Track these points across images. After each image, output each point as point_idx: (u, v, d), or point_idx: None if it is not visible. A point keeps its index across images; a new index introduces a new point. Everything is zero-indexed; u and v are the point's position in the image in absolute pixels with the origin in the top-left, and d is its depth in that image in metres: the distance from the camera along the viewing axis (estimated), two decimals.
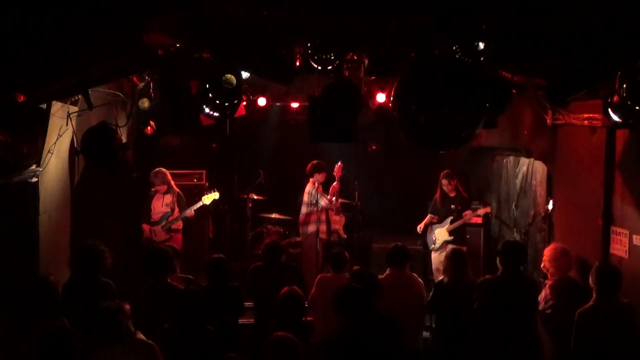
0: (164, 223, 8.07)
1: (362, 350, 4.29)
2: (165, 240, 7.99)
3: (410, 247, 8.80)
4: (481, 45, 4.62)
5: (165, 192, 8.16)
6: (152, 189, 8.22)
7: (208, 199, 8.30)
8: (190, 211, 8.14)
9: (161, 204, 8.14)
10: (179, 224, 8.20)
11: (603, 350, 4.84)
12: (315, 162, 8.71)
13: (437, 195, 8.37)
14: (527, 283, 5.57)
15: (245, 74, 6.26)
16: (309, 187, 8.74)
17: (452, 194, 8.25)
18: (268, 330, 4.58)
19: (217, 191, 8.40)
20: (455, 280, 5.68)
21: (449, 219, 8.19)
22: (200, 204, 8.23)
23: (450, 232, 8.14)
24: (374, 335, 4.40)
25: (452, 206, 8.22)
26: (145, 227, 8.09)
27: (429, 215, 8.42)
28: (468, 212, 8.23)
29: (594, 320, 4.85)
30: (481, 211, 8.29)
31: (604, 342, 4.83)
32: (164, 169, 8.19)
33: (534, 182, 8.14)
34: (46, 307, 4.59)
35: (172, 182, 8.29)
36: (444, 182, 8.23)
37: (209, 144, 10.29)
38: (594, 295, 4.93)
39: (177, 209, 8.15)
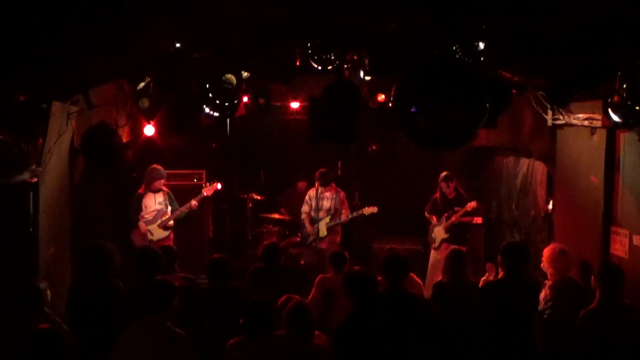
0: (160, 221, 8.06)
1: (381, 329, 4.36)
2: (163, 238, 7.98)
3: (410, 247, 8.86)
4: (481, 45, 4.62)
5: (157, 191, 8.15)
6: (142, 189, 8.16)
7: (209, 190, 8.33)
8: (194, 202, 8.12)
9: (154, 203, 8.11)
10: (171, 222, 8.19)
11: (606, 351, 4.82)
12: (323, 170, 8.68)
13: (437, 195, 8.36)
14: (530, 284, 5.53)
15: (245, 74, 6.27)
16: (313, 191, 8.76)
17: (452, 196, 8.23)
18: None
19: (219, 182, 8.51)
20: (455, 281, 5.67)
21: (445, 216, 8.20)
22: (202, 195, 8.26)
23: (447, 230, 8.13)
24: (397, 311, 4.45)
25: (453, 207, 8.21)
26: (143, 226, 8.03)
27: (428, 215, 8.40)
28: (458, 208, 8.16)
29: (597, 321, 4.83)
30: (469, 205, 8.10)
31: (608, 343, 4.81)
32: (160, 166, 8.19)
33: (534, 182, 8.13)
34: (31, 310, 4.57)
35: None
36: (443, 184, 8.20)
37: (209, 144, 10.29)
38: (597, 296, 4.91)
39: (169, 206, 8.15)
